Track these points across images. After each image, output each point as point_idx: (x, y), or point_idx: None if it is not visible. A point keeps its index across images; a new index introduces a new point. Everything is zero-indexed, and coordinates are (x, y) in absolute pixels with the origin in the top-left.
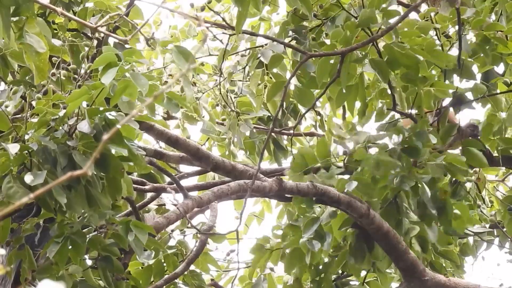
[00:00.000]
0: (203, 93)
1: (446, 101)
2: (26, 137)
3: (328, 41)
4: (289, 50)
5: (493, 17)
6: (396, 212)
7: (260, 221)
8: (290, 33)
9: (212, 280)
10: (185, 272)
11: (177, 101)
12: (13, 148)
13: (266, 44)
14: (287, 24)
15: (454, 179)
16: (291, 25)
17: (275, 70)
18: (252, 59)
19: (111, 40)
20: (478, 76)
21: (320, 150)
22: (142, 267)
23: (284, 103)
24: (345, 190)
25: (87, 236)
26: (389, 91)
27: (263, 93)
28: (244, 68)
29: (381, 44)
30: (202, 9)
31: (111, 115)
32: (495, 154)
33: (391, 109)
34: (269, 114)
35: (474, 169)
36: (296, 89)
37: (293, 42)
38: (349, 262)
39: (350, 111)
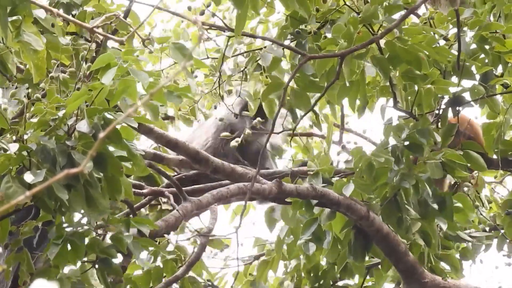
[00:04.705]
0: (202, 93)
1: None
2: (25, 137)
3: (329, 35)
4: (287, 52)
5: (491, 18)
6: (397, 210)
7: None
8: (289, 36)
9: (208, 281)
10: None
11: (179, 92)
12: (12, 148)
13: (265, 47)
14: (285, 28)
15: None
16: (290, 28)
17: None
18: (251, 62)
19: (109, 43)
20: (477, 78)
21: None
22: (141, 271)
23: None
24: (343, 192)
25: (86, 238)
26: (390, 89)
27: (260, 95)
28: (242, 71)
29: (383, 40)
30: (202, 13)
31: (109, 114)
32: (494, 156)
33: (391, 107)
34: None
35: (472, 173)
36: (293, 91)
37: (293, 45)
38: (348, 260)
39: (351, 107)
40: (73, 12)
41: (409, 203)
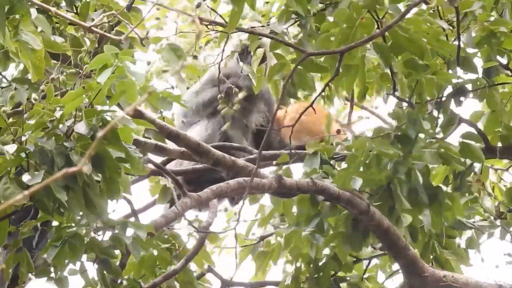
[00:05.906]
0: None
1: (447, 92)
2: (23, 138)
3: (331, 19)
4: (291, 32)
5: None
6: (389, 199)
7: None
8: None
9: (208, 266)
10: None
11: (171, 99)
12: (10, 149)
13: (268, 24)
14: (288, 6)
15: (457, 171)
16: (294, 6)
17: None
18: (253, 39)
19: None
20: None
21: None
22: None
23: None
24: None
25: (85, 238)
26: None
27: (264, 73)
28: (246, 48)
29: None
30: (198, 5)
31: (107, 115)
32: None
33: (390, 94)
34: None
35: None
36: (296, 72)
37: (294, 26)
38: (345, 250)
39: (347, 91)
40: (76, 4)
41: (401, 192)
